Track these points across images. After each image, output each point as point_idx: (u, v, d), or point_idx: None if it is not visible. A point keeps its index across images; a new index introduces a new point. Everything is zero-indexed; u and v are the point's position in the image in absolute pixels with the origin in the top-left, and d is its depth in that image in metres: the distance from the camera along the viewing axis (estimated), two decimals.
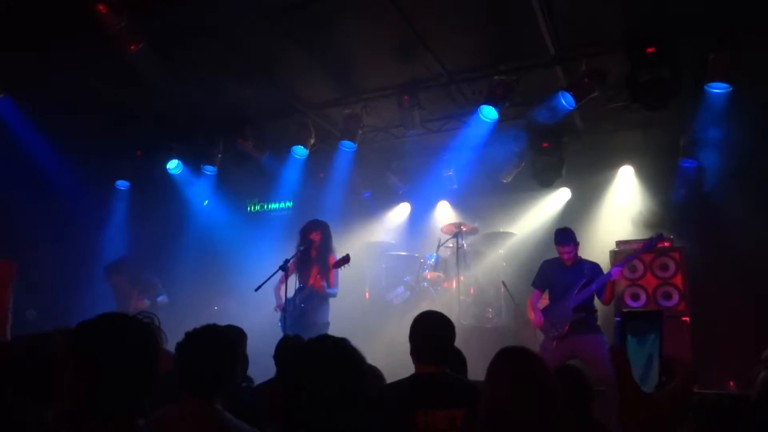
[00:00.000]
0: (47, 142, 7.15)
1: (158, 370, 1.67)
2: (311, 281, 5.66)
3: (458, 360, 3.14)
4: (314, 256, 5.79)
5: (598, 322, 5.19)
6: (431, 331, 2.75)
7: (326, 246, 5.84)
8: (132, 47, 5.11)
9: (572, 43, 5.68)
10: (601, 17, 5.31)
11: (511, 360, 1.77)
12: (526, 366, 1.72)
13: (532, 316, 5.44)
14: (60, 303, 7.06)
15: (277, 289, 5.85)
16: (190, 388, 2.16)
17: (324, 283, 5.62)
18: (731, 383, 5.50)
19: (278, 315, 5.87)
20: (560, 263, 5.28)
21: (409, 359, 2.77)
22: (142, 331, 1.65)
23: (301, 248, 5.74)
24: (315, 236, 5.78)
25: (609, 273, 5.00)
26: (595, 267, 5.21)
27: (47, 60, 5.67)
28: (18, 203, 7.18)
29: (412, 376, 2.70)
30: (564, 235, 5.23)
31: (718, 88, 5.45)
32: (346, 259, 5.62)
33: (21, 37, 5.37)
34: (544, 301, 5.45)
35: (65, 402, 1.63)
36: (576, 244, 5.22)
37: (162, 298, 7.33)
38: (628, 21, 5.30)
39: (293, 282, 5.76)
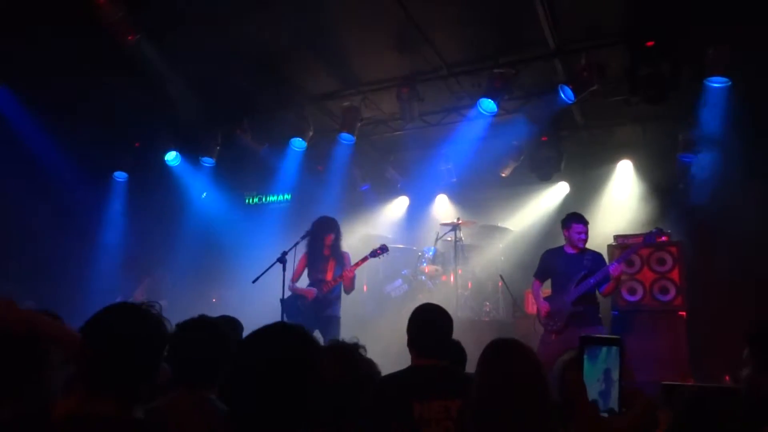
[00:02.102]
0: (45, 134, 7.12)
1: (161, 360, 1.71)
2: (330, 276, 5.66)
3: (458, 353, 3.14)
4: (327, 253, 5.78)
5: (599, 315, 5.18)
6: (429, 324, 2.76)
7: (339, 243, 5.85)
8: (130, 37, 5.09)
9: (572, 36, 5.67)
10: (601, 10, 5.30)
11: (501, 352, 1.78)
12: (516, 358, 1.72)
13: (535, 307, 5.41)
14: (58, 294, 7.05)
15: (291, 283, 5.81)
16: (182, 379, 2.17)
17: (353, 276, 5.63)
18: (727, 378, 5.51)
19: (278, 306, 5.85)
20: (563, 252, 5.26)
21: (407, 351, 2.78)
22: (151, 321, 1.70)
23: (309, 247, 5.75)
24: (329, 239, 5.76)
25: (606, 269, 4.97)
26: (596, 258, 5.15)
27: (45, 50, 5.64)
28: (15, 195, 7.16)
29: (409, 367, 2.71)
30: (578, 215, 5.21)
31: (717, 83, 5.45)
32: (384, 249, 5.68)
33: (19, 27, 5.34)
34: (546, 292, 5.44)
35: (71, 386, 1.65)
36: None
37: (162, 303, 7.32)
38: (628, 14, 5.28)
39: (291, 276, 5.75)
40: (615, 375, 1.04)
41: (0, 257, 7.16)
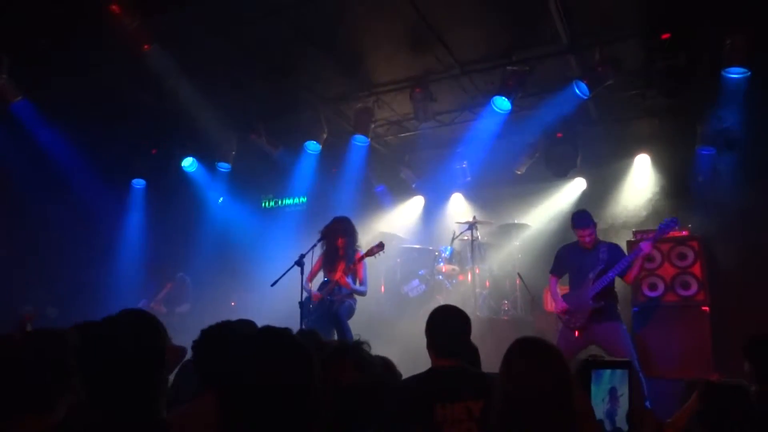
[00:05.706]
0: (64, 144, 7.26)
1: (165, 368, 1.72)
2: (337, 276, 5.68)
3: (471, 354, 3.12)
4: (341, 254, 5.80)
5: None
6: (447, 326, 2.76)
7: (352, 243, 5.84)
8: (145, 47, 5.17)
9: (585, 30, 5.61)
10: (614, 3, 5.23)
11: (526, 350, 1.77)
12: (541, 356, 1.71)
13: (552, 304, 5.37)
14: (80, 300, 7.18)
15: (306, 283, 5.84)
16: (207, 385, 2.19)
17: (349, 280, 5.61)
18: None
19: (296, 309, 5.88)
20: (578, 248, 5.19)
21: (425, 352, 2.78)
22: (144, 330, 1.71)
23: (324, 247, 5.77)
24: (339, 242, 5.77)
25: (637, 250, 4.90)
26: (612, 249, 5.09)
27: (63, 61, 5.74)
28: (37, 203, 7.31)
29: (429, 369, 2.70)
30: (581, 217, 5.12)
31: (735, 73, 5.35)
32: (380, 246, 5.63)
33: (37, 38, 5.44)
34: (564, 289, 5.39)
35: (81, 395, 1.68)
36: (594, 226, 5.12)
37: (183, 308, 7.40)
38: (642, 6, 5.21)
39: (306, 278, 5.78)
40: (620, 392, 1.04)
41: (24, 265, 7.31)
